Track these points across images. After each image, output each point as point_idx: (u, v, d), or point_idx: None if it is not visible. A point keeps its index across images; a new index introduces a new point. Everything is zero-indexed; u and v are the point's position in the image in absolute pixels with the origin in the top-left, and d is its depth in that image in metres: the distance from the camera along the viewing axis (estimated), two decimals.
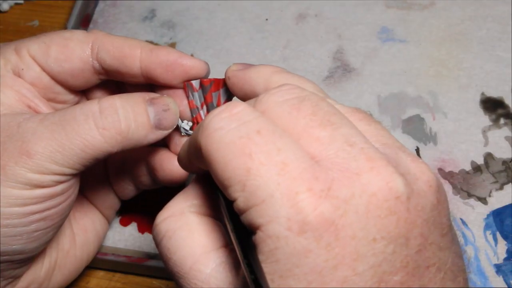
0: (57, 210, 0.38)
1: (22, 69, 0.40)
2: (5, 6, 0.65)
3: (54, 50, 0.40)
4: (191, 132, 0.41)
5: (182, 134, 0.42)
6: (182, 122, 0.41)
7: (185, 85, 0.41)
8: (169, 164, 0.42)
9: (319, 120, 0.29)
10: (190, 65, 0.40)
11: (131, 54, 0.40)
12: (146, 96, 0.39)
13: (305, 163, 0.28)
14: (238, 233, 0.29)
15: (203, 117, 0.41)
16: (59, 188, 0.37)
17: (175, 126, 0.40)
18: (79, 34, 0.41)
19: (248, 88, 0.36)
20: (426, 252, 0.28)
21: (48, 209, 0.37)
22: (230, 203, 0.29)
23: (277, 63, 0.57)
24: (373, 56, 0.58)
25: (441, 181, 0.31)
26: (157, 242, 0.33)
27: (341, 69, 0.57)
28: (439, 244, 0.29)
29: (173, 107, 0.40)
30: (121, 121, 0.37)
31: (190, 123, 0.41)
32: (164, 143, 0.44)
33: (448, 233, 0.30)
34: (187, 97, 0.41)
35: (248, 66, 0.37)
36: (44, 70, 0.41)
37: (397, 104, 0.55)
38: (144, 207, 0.51)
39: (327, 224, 0.27)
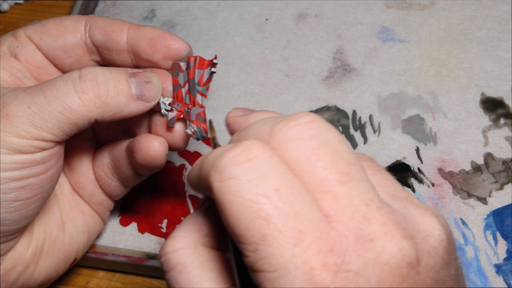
0: (38, 180, 0.38)
1: (17, 46, 0.42)
2: (5, 6, 0.65)
3: (49, 27, 0.42)
4: (169, 108, 0.42)
5: (162, 112, 0.42)
6: (164, 98, 0.42)
7: (173, 65, 0.42)
8: (146, 142, 0.42)
9: (338, 174, 0.28)
10: (172, 42, 0.41)
11: (120, 28, 0.42)
12: (129, 70, 0.41)
13: (322, 231, 0.27)
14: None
15: (183, 94, 0.42)
16: (39, 155, 0.37)
17: (157, 100, 0.41)
18: (73, 15, 0.44)
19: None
20: None
21: (28, 177, 0.37)
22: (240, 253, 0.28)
23: (277, 63, 0.57)
24: (373, 56, 0.58)
25: (451, 231, 0.31)
26: (165, 271, 0.32)
27: (341, 69, 0.57)
28: None
29: (155, 80, 0.41)
30: (99, 85, 0.38)
31: (170, 99, 0.42)
32: (147, 130, 0.44)
33: (456, 283, 0.30)
34: (172, 74, 0.42)
35: (248, 111, 0.37)
36: (38, 48, 0.42)
37: (397, 104, 0.55)
38: (144, 207, 0.51)
39: None
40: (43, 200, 0.40)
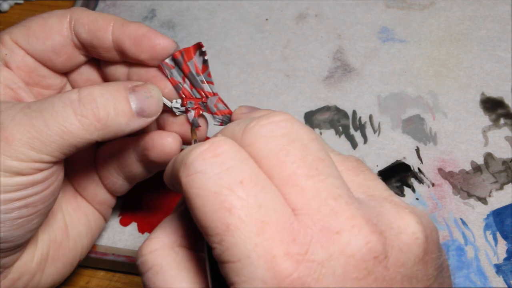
0: (39, 198, 0.38)
1: (6, 54, 0.41)
2: (5, 6, 0.65)
3: (34, 29, 0.41)
4: (183, 108, 0.42)
5: (177, 114, 0.42)
6: (172, 102, 0.42)
7: (161, 67, 0.41)
8: (160, 139, 0.42)
9: (306, 168, 0.29)
10: (157, 41, 0.40)
11: (104, 26, 0.41)
12: (129, 85, 0.39)
13: (285, 222, 0.27)
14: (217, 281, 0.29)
15: (188, 90, 0.42)
16: (39, 176, 0.37)
17: (159, 113, 0.40)
18: (57, 11, 0.42)
19: None
20: None
21: (29, 196, 0.37)
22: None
23: (277, 63, 0.57)
24: (373, 56, 0.58)
25: (435, 225, 0.31)
26: (142, 272, 0.32)
27: (341, 69, 0.57)
28: None
29: (156, 94, 0.40)
30: (99, 108, 0.37)
31: (180, 100, 0.42)
32: (159, 128, 0.44)
33: (434, 282, 0.30)
34: (166, 76, 0.41)
35: (253, 110, 0.37)
36: (27, 52, 0.42)
37: (397, 104, 0.55)
38: (144, 207, 0.51)
39: None
40: (46, 214, 0.40)
